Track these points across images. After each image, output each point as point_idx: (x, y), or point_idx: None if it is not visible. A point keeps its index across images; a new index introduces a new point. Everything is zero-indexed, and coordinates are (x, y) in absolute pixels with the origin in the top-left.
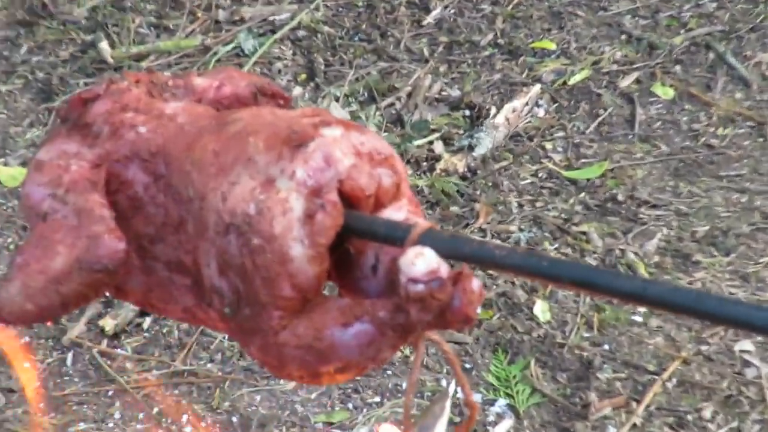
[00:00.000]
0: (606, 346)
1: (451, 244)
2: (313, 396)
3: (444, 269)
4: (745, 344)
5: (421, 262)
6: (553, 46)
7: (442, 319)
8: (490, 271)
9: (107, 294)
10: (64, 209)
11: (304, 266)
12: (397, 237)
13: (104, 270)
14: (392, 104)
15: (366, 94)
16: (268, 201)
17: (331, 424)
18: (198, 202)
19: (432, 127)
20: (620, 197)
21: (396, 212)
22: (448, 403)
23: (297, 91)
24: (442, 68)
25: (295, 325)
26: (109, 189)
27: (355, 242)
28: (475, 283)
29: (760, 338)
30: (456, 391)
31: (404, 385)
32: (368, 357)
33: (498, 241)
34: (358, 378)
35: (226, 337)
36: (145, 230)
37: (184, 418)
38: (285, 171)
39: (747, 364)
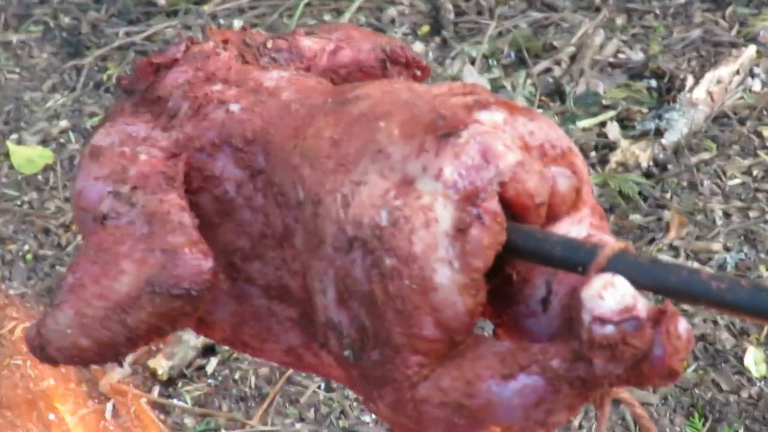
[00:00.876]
0: None
1: (651, 271)
2: None
3: (642, 306)
4: None
5: (611, 296)
6: None
7: (636, 372)
8: (685, 306)
9: (185, 328)
10: (130, 212)
11: (452, 297)
12: (579, 261)
13: (185, 295)
14: (549, 70)
15: (513, 55)
16: (405, 209)
17: None
18: (311, 207)
19: (604, 102)
20: None
21: (575, 226)
22: None
23: (417, 48)
24: (619, 20)
25: (439, 376)
26: (190, 187)
27: (519, 266)
28: (683, 326)
29: None
30: None
31: None
32: (535, 420)
33: (708, 269)
34: None
35: (323, 387)
36: (238, 243)
37: None
38: (428, 168)
39: None
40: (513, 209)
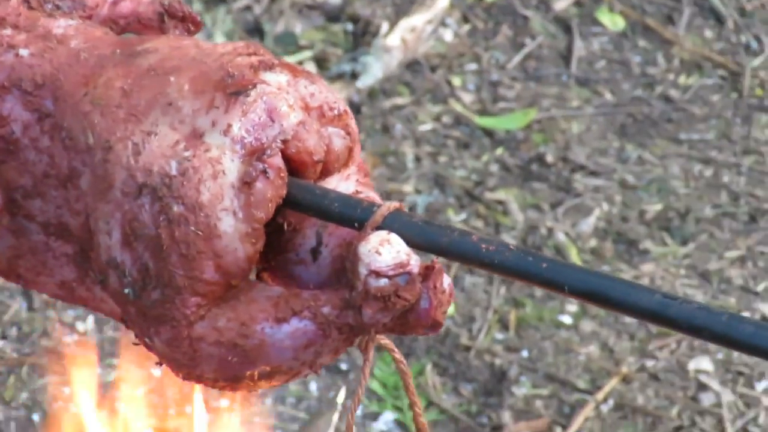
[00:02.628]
0: (525, 353)
1: (424, 231)
2: (139, 393)
3: (415, 263)
4: (702, 362)
5: (387, 252)
6: None
7: (402, 321)
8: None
9: None
10: None
11: (234, 244)
12: (355, 217)
13: None
14: (249, 7)
15: None
16: (194, 160)
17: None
18: (100, 153)
19: (301, 43)
20: (549, 158)
21: (343, 182)
22: (335, 417)
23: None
24: None
25: (215, 316)
26: None
27: (290, 217)
28: (446, 281)
29: (720, 355)
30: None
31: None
32: (304, 361)
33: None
34: None
35: (24, 307)
36: (20, 181)
37: None
38: (217, 123)
39: (703, 387)
40: (292, 165)
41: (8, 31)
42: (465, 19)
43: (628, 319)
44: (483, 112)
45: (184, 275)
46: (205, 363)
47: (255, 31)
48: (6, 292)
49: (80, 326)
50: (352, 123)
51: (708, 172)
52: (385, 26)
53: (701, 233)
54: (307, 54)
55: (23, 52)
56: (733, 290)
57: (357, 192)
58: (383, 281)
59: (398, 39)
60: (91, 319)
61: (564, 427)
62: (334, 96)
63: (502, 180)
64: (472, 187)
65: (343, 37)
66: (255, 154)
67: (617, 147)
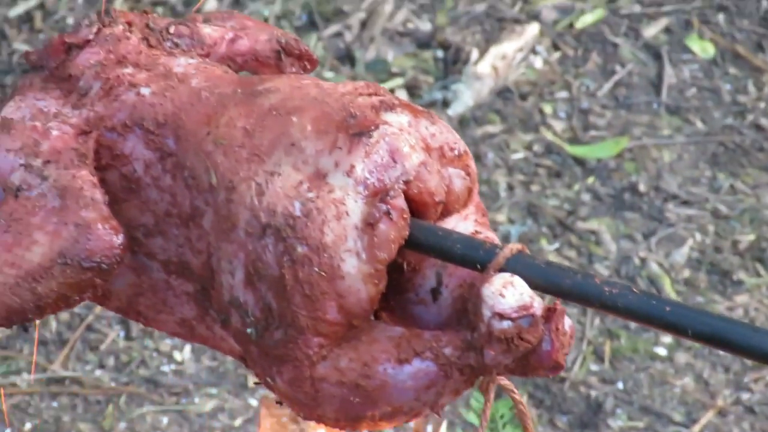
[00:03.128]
0: (620, 385)
1: (546, 273)
2: (237, 422)
3: (538, 305)
4: None
5: (511, 294)
6: None
7: (524, 363)
8: None
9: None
10: (42, 185)
11: (357, 285)
12: (478, 259)
13: (96, 268)
14: (339, 34)
15: (305, 18)
16: (318, 201)
17: None
18: (224, 193)
19: (393, 70)
20: (641, 187)
21: (462, 222)
22: None
23: (209, 5)
24: None
25: (337, 356)
26: (98, 164)
27: (410, 257)
28: (568, 323)
29: None
30: None
31: None
32: (425, 402)
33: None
34: None
35: (122, 336)
36: (141, 219)
37: None
38: (340, 164)
39: None
40: (414, 206)
41: (129, 70)
42: (555, 47)
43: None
44: (574, 140)
45: (307, 315)
46: (327, 403)
47: (346, 58)
48: (103, 321)
49: (177, 356)
50: (472, 163)
51: None
52: (475, 53)
53: None
54: (398, 81)
55: (145, 90)
56: None
57: (476, 232)
58: (507, 323)
59: (489, 66)
60: (188, 348)
61: None
62: (454, 136)
63: (594, 209)
64: (564, 217)
65: (434, 64)
66: (378, 195)
67: (709, 176)
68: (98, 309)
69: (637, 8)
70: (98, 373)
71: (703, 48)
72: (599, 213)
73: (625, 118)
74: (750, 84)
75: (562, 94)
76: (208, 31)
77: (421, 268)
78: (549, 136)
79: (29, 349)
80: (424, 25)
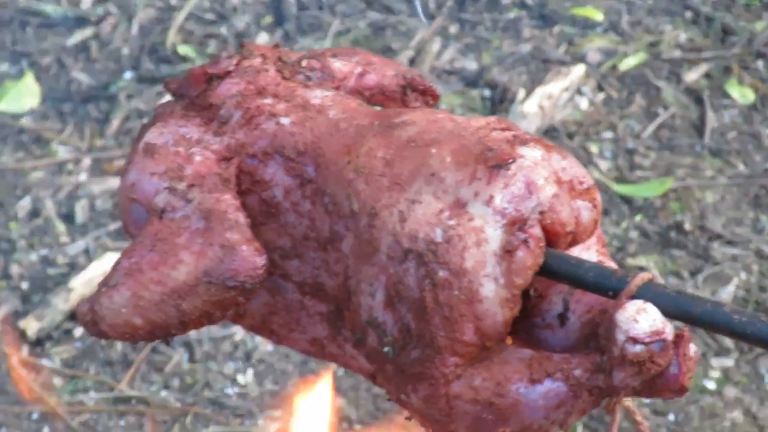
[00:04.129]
0: (671, 417)
1: (677, 301)
2: None
3: (670, 331)
4: None
5: (644, 320)
6: (599, 17)
7: (650, 385)
8: None
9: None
10: (186, 207)
11: (494, 309)
12: (610, 286)
13: (239, 287)
14: None
15: None
16: (459, 228)
17: None
18: (366, 219)
19: (442, 107)
20: (687, 226)
21: (585, 251)
22: None
23: (262, 38)
24: (453, 29)
25: (471, 376)
26: (239, 188)
27: (537, 284)
28: (693, 349)
29: None
30: None
31: None
32: (554, 420)
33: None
34: (358, 426)
35: (186, 359)
36: (279, 242)
37: None
38: (480, 194)
39: None
40: (546, 235)
41: (269, 101)
42: (599, 88)
43: None
44: (620, 179)
45: (446, 336)
46: (460, 420)
47: None
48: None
49: (241, 378)
50: (598, 197)
51: None
52: (521, 93)
53: None
54: None
55: (284, 120)
56: None
57: (600, 261)
58: (640, 347)
59: (535, 105)
60: (251, 371)
61: None
62: (582, 171)
63: (641, 246)
64: (613, 253)
65: (481, 102)
66: (516, 224)
67: (752, 217)
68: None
69: (677, 53)
70: (163, 393)
71: (742, 93)
72: (647, 250)
73: (669, 159)
74: None
75: (608, 134)
76: (338, 65)
77: (548, 295)
78: (596, 174)
79: (96, 368)
80: (471, 64)
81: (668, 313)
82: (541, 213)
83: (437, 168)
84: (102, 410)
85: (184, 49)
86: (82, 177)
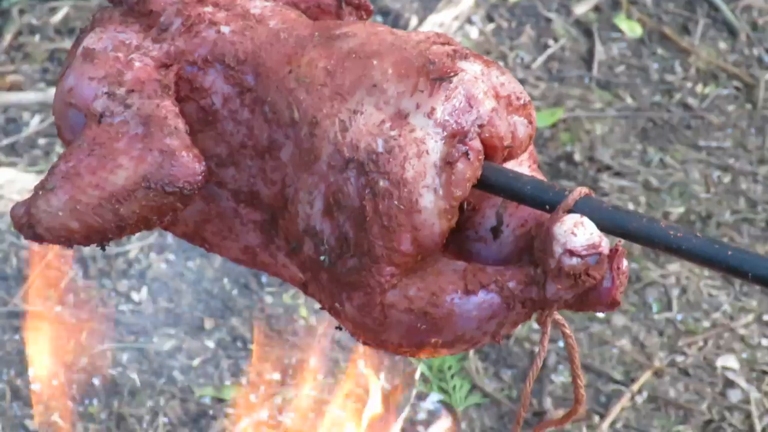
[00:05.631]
0: (561, 343)
1: (613, 216)
2: (195, 363)
3: (605, 244)
4: (729, 359)
5: (581, 233)
6: None
7: (582, 299)
8: None
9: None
10: (125, 113)
11: (432, 219)
12: (547, 200)
13: (178, 193)
14: None
15: None
16: (400, 139)
17: (222, 401)
18: (307, 128)
19: None
20: (576, 157)
21: (517, 167)
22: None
23: None
24: None
25: (406, 286)
26: (177, 95)
27: (470, 197)
28: (625, 264)
29: (745, 354)
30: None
31: (312, 362)
32: (486, 331)
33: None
34: (251, 347)
35: (81, 275)
36: (215, 150)
37: (30, 371)
38: (421, 106)
39: (730, 384)
40: (484, 149)
41: (209, 9)
42: (489, 18)
43: (657, 316)
44: None
45: (383, 246)
46: (394, 329)
47: None
48: (62, 259)
49: (135, 296)
50: (534, 113)
51: (726, 179)
52: (414, 20)
53: (722, 237)
54: None
55: (225, 29)
56: (755, 293)
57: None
58: (576, 260)
59: None
60: (144, 289)
61: (601, 416)
62: (519, 87)
63: None
64: None
65: None
66: (456, 136)
67: (639, 150)
68: (57, 247)
69: None
70: (59, 309)
71: (631, 27)
72: None
73: (558, 90)
74: (676, 64)
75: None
76: None
77: (481, 208)
78: None
79: None
80: None
81: (604, 228)
82: (481, 126)
83: (379, 79)
84: None
85: None
86: None
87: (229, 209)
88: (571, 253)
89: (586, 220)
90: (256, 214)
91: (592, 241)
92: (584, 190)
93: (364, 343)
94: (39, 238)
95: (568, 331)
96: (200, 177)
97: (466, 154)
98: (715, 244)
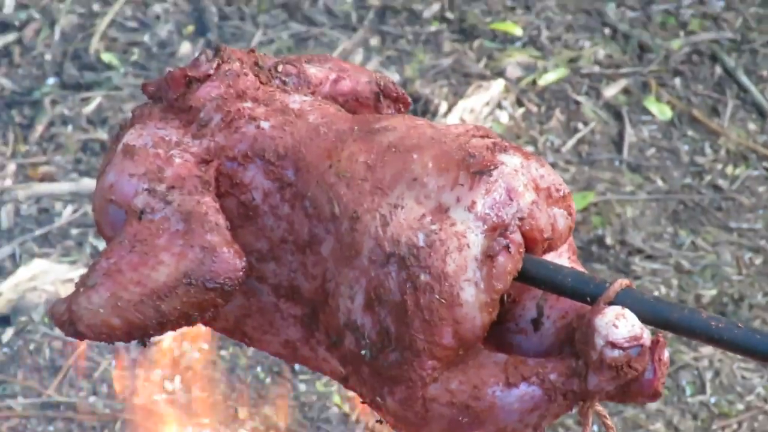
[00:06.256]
0: (595, 428)
1: (654, 307)
2: None
3: (647, 336)
4: None
5: (623, 325)
6: (518, 31)
7: (624, 390)
8: None
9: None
10: (166, 209)
11: (473, 313)
12: (588, 292)
13: (219, 289)
14: None
15: None
16: (441, 233)
17: None
18: (348, 222)
19: None
20: (608, 240)
21: (557, 259)
22: None
23: (185, 47)
24: (373, 41)
25: (447, 379)
26: (217, 191)
27: (511, 289)
28: (666, 354)
29: None
30: None
31: None
32: (528, 423)
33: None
34: None
35: (113, 366)
36: (256, 245)
37: None
38: (462, 200)
39: None
40: (524, 241)
41: (249, 104)
42: (519, 103)
43: (690, 399)
44: None
45: (425, 339)
46: (435, 422)
47: None
48: (95, 349)
49: (168, 385)
50: (573, 204)
51: (758, 260)
52: (444, 106)
53: (755, 319)
54: None
55: (264, 124)
56: None
57: (572, 268)
58: (618, 352)
59: (458, 119)
60: (178, 378)
61: None
62: (559, 179)
63: None
64: None
65: None
66: (497, 230)
67: (671, 232)
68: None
69: (596, 68)
70: (92, 399)
71: (661, 110)
72: None
73: (589, 173)
74: (706, 146)
75: (528, 148)
76: (313, 71)
77: (521, 300)
78: None
79: (24, 373)
80: (393, 77)
81: (645, 319)
82: (521, 219)
83: (419, 173)
84: (30, 415)
85: (107, 57)
86: (7, 182)
87: (269, 304)
88: (613, 345)
89: (627, 312)
90: (297, 309)
91: (634, 333)
92: (625, 281)
93: None
94: (80, 335)
95: (610, 423)
96: (241, 273)
97: (507, 247)
98: (757, 334)
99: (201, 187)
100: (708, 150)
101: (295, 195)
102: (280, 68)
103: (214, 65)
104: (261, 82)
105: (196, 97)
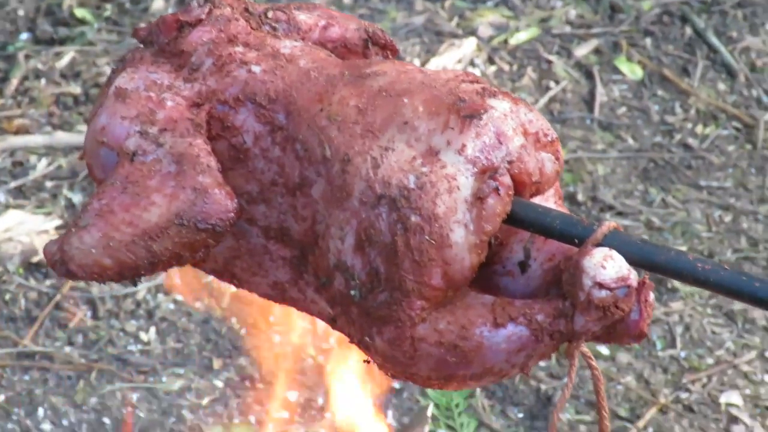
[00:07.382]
0: (565, 380)
1: (642, 250)
2: (204, 401)
3: (634, 277)
4: (732, 396)
5: (611, 266)
6: None
7: (610, 331)
8: None
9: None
10: (157, 151)
11: (462, 254)
12: (576, 234)
13: (210, 230)
14: None
15: None
16: (431, 175)
17: None
18: (338, 165)
19: None
20: (579, 197)
21: (543, 202)
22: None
23: (157, 3)
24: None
25: (435, 319)
26: (208, 134)
27: (498, 232)
28: (652, 296)
29: (748, 390)
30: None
31: (320, 400)
32: (514, 364)
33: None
34: (260, 386)
35: (89, 316)
36: (246, 187)
37: (41, 411)
38: (452, 143)
39: (734, 420)
40: (513, 184)
41: (240, 49)
42: (491, 61)
43: (661, 353)
44: None
45: (414, 280)
46: (423, 362)
47: None
48: (70, 300)
49: (143, 336)
50: (560, 149)
51: (727, 218)
52: (416, 63)
53: None
54: None
55: (255, 68)
56: (757, 330)
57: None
58: (605, 292)
59: None
60: (153, 329)
61: None
62: (547, 124)
63: None
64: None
65: None
66: (487, 172)
67: (641, 190)
68: (66, 288)
69: (567, 28)
70: (67, 349)
71: (631, 70)
72: None
73: (561, 131)
74: (677, 105)
75: None
76: (302, 17)
77: (508, 243)
78: None
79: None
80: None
81: (633, 261)
82: (510, 162)
83: (410, 117)
84: (6, 365)
85: (80, 12)
86: None
87: (258, 246)
88: (601, 285)
89: (615, 253)
90: (286, 251)
91: (622, 274)
92: (612, 224)
93: (393, 377)
94: (72, 275)
95: (594, 364)
96: (232, 214)
97: (497, 189)
98: (743, 276)
99: (193, 130)
100: (678, 109)
101: (286, 138)
102: (270, 14)
103: (206, 10)
104: (252, 28)
105: (187, 41)
